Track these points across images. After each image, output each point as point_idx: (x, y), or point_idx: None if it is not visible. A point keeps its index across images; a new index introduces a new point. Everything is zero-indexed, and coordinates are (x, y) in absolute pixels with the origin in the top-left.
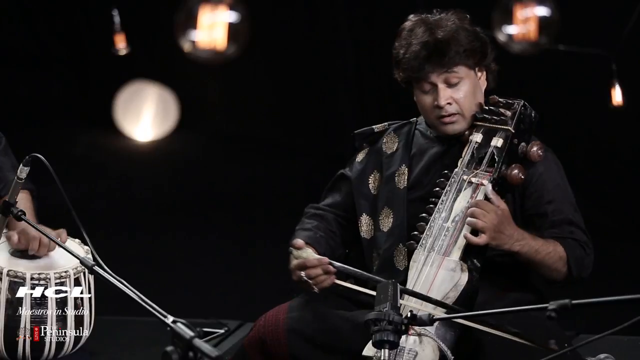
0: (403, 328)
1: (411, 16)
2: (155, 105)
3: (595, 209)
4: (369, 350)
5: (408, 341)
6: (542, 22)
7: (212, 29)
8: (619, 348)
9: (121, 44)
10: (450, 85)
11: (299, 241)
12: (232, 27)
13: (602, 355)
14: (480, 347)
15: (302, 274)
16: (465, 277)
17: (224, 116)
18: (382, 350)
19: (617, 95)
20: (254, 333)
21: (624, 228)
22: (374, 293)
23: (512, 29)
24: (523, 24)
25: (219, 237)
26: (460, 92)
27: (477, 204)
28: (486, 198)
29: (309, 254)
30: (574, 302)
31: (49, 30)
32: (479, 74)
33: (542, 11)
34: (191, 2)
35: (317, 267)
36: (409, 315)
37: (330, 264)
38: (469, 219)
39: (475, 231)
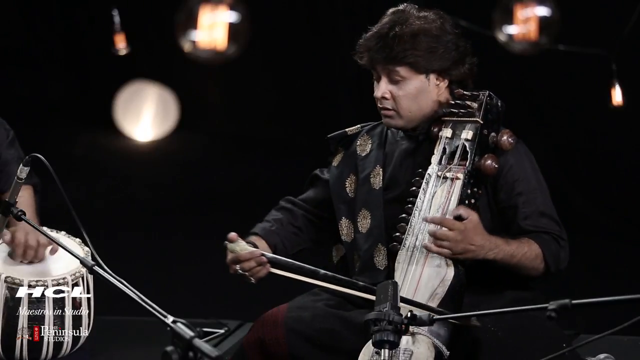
0: (403, 328)
1: (402, 5)
2: (155, 105)
3: (595, 209)
4: (364, 356)
5: (401, 341)
6: (542, 22)
7: (212, 29)
8: (619, 348)
9: (121, 44)
10: (392, 81)
11: (231, 234)
12: (232, 27)
13: (602, 356)
14: (478, 345)
15: (237, 267)
16: (451, 272)
17: (224, 116)
18: (382, 350)
19: (617, 95)
20: (253, 333)
21: (624, 228)
22: (309, 280)
23: (512, 29)
24: (523, 24)
25: (219, 237)
26: (400, 91)
27: (441, 222)
28: (456, 217)
29: (242, 247)
30: (574, 302)
31: (49, 30)
32: (437, 81)
33: (542, 11)
34: (191, 2)
35: (250, 259)
36: (408, 315)
37: (263, 255)
38: (425, 243)
39: None
